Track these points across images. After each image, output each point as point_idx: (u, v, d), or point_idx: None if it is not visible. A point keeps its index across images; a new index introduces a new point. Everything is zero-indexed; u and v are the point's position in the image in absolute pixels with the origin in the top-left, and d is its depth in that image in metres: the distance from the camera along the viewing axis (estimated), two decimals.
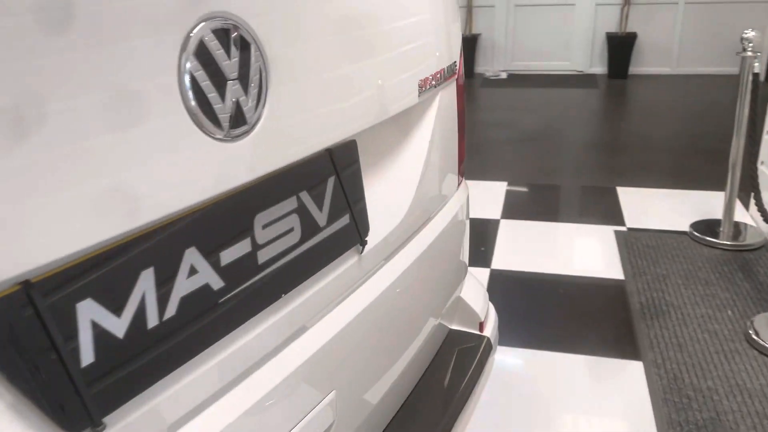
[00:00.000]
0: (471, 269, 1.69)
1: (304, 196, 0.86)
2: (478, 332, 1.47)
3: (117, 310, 0.62)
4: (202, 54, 0.65)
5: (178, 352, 0.68)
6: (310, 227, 0.87)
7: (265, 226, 0.80)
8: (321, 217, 0.89)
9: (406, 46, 1.05)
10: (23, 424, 0.55)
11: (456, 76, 1.29)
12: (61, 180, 0.54)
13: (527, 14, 7.91)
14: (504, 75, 7.92)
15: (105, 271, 0.61)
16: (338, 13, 0.86)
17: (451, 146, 1.27)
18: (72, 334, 0.58)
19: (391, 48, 0.99)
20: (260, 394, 0.79)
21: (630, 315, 2.61)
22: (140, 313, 0.65)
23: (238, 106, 0.70)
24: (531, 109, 6.27)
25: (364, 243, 0.98)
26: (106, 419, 0.62)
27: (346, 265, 0.96)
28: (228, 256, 0.74)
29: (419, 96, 1.10)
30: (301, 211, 0.86)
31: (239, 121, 0.71)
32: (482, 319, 1.48)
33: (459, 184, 1.39)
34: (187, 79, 0.64)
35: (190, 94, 0.65)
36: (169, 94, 0.63)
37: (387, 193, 1.10)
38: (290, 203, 0.84)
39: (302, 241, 0.86)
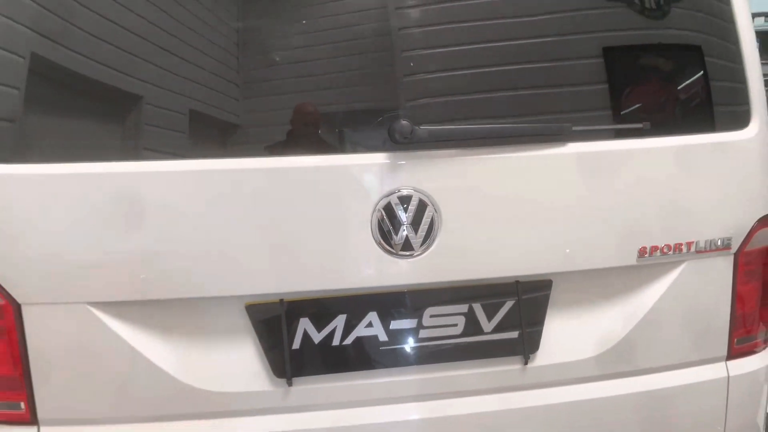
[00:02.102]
0: None
1: (475, 305, 1.27)
2: None
3: (319, 329, 1.23)
4: (388, 209, 1.20)
5: (340, 364, 1.24)
6: (472, 327, 1.27)
7: (433, 315, 1.26)
8: (487, 324, 1.27)
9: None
10: (260, 367, 1.22)
11: (729, 250, 1.35)
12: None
13: None
14: None
15: (321, 305, 1.22)
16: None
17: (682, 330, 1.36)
18: (292, 330, 1.22)
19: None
20: (400, 418, 1.25)
21: None
22: (330, 335, 1.23)
23: (407, 240, 1.21)
24: None
25: (527, 357, 1.29)
26: (296, 379, 1.23)
27: (506, 368, 1.29)
28: (397, 324, 1.25)
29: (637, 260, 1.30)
30: (469, 313, 1.27)
31: (407, 247, 1.21)
32: None
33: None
34: (376, 222, 1.19)
35: (377, 230, 1.20)
36: (366, 229, 1.20)
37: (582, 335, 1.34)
38: (460, 307, 1.26)
39: (461, 335, 1.27)
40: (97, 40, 1.17)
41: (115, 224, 1.15)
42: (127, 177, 1.15)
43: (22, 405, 1.20)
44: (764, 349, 1.49)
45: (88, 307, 1.17)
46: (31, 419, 1.21)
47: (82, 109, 1.21)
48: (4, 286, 1.15)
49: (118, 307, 1.18)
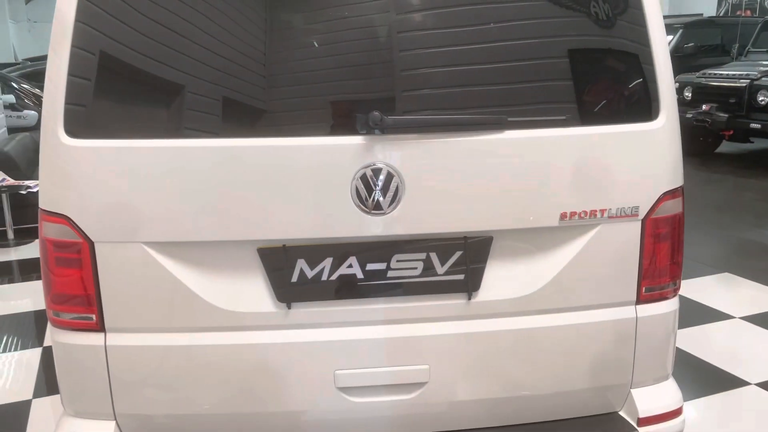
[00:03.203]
0: None
1: (432, 253, 1.66)
2: (631, 422, 1.79)
3: (311, 268, 1.64)
4: (364, 179, 1.59)
5: (327, 293, 1.65)
6: (428, 270, 1.66)
7: (399, 260, 1.66)
8: (440, 268, 1.67)
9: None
10: (267, 294, 1.64)
11: (636, 217, 1.71)
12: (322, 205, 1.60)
13: None
14: None
15: (313, 250, 1.63)
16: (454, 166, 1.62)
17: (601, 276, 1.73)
18: (291, 267, 1.64)
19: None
20: (376, 336, 1.66)
21: None
22: (319, 272, 1.64)
23: (378, 202, 1.60)
24: None
25: (470, 294, 1.68)
26: (294, 304, 1.64)
27: (453, 302, 1.68)
28: (371, 266, 1.65)
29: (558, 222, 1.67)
30: (426, 260, 1.66)
31: (378, 207, 1.60)
32: (641, 415, 1.78)
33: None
34: (355, 188, 1.59)
35: (356, 194, 1.59)
36: (347, 193, 1.59)
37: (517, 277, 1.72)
38: (419, 254, 1.66)
39: (420, 276, 1.66)
40: (150, 40, 1.57)
41: (163, 186, 1.57)
42: (172, 150, 1.56)
43: (93, 317, 1.65)
44: (673, 297, 1.85)
45: (143, 245, 1.60)
46: (100, 327, 1.65)
47: (138, 97, 1.62)
48: (83, 228, 1.59)
49: (165, 246, 1.61)
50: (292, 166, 1.59)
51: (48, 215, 1.61)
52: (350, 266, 1.66)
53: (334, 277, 1.66)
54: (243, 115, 1.63)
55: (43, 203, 1.62)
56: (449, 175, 1.63)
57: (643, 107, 1.71)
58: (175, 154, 1.57)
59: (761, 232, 5.48)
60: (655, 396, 1.83)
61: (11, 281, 4.73)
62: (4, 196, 5.41)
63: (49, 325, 1.74)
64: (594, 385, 1.81)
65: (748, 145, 8.94)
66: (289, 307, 1.65)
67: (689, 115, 8.17)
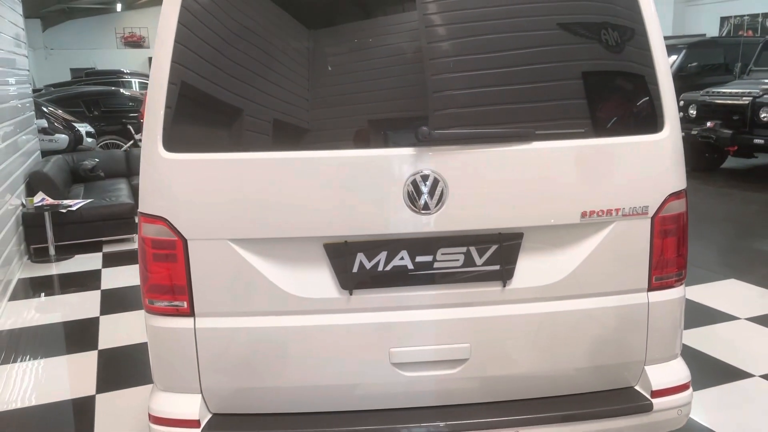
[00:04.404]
0: None
1: (471, 248, 1.94)
2: (646, 394, 2.05)
3: (369, 260, 1.93)
4: (414, 183, 1.88)
5: (383, 282, 1.93)
6: (469, 262, 1.95)
7: (443, 254, 1.94)
8: (479, 260, 1.95)
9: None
10: (332, 283, 1.93)
11: (646, 215, 1.99)
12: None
13: None
14: None
15: (371, 244, 1.92)
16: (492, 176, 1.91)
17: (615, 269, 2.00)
18: (352, 260, 1.92)
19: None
20: (425, 318, 1.94)
21: None
22: (376, 263, 1.93)
23: (426, 203, 1.89)
24: None
25: (505, 283, 1.96)
26: (355, 291, 1.93)
27: (490, 289, 1.96)
28: (420, 258, 1.94)
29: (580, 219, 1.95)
30: (467, 253, 1.94)
31: (426, 207, 1.89)
32: (654, 388, 2.04)
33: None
34: (407, 191, 1.88)
35: (407, 196, 1.88)
36: (400, 196, 1.88)
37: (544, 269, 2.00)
38: (461, 248, 1.94)
39: (461, 267, 1.95)
40: (233, 67, 1.88)
41: (245, 191, 1.87)
42: (253, 162, 1.86)
43: (185, 303, 1.93)
44: (679, 285, 2.12)
45: (228, 242, 1.89)
46: (190, 312, 1.94)
47: (223, 118, 1.92)
48: (179, 228, 1.88)
49: (247, 243, 1.90)
50: (353, 174, 1.88)
51: (147, 218, 1.91)
52: (402, 258, 1.94)
53: (388, 268, 1.94)
54: (312, 131, 1.93)
55: (143, 207, 1.92)
56: (485, 180, 1.92)
57: (650, 121, 2.00)
58: (255, 165, 1.87)
59: (766, 242, 5.73)
60: (666, 372, 2.10)
61: (53, 294, 5.04)
62: (46, 214, 5.74)
63: (144, 312, 2.03)
64: (612, 362, 2.07)
65: (752, 160, 9.22)
66: (351, 294, 1.94)
67: (694, 132, 8.46)
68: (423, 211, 1.89)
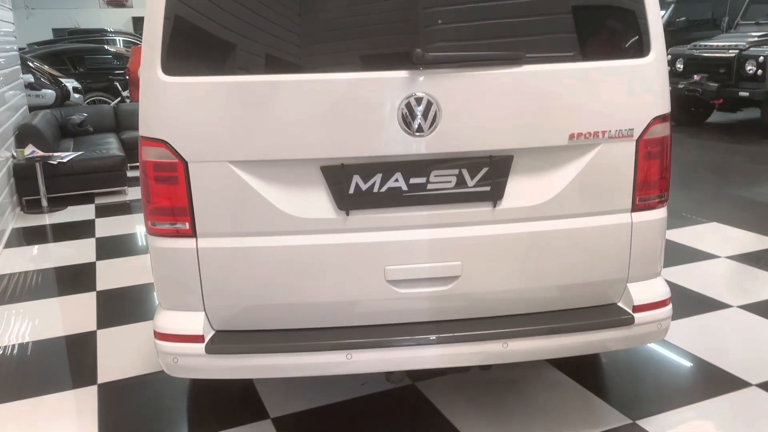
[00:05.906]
0: None
1: (463, 169, 2.02)
2: (628, 309, 2.16)
3: (365, 182, 2.00)
4: (408, 106, 1.94)
5: (378, 203, 2.01)
6: (461, 183, 2.02)
7: (436, 175, 2.02)
8: (470, 181, 2.03)
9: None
10: (329, 204, 2.01)
11: (631, 137, 2.07)
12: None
13: None
14: None
15: (366, 167, 1.98)
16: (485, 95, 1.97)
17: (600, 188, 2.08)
18: (348, 181, 1.99)
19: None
20: (419, 237, 2.02)
21: None
22: (371, 185, 2.00)
23: (419, 125, 1.95)
24: None
25: (495, 203, 2.04)
26: (351, 211, 2.01)
27: (481, 209, 2.04)
28: (414, 180, 2.01)
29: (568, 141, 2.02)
30: (459, 175, 2.02)
31: (420, 129, 1.96)
32: (636, 303, 2.15)
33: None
34: (401, 114, 1.94)
35: (401, 118, 1.95)
36: (394, 118, 1.95)
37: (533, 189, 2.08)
38: (453, 170, 2.02)
39: (454, 188, 2.02)
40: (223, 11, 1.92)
41: (244, 114, 1.92)
42: (251, 85, 1.91)
43: (187, 224, 2.00)
44: (661, 206, 2.21)
45: (228, 164, 1.95)
46: (192, 233, 2.01)
47: (222, 41, 1.95)
48: (179, 151, 1.94)
49: (247, 164, 1.96)
50: (349, 97, 1.94)
51: (148, 141, 1.97)
52: (396, 180, 2.01)
53: (383, 189, 2.01)
54: (309, 54, 1.98)
55: (143, 131, 1.97)
56: (477, 103, 1.98)
57: (637, 45, 2.06)
58: (252, 88, 1.92)
59: (748, 189, 5.86)
60: (647, 289, 2.21)
61: (47, 242, 5.09)
62: (37, 166, 5.75)
63: (146, 234, 2.10)
64: (597, 280, 2.18)
65: (737, 114, 9.32)
66: (347, 214, 2.01)
67: (681, 86, 8.53)
68: (417, 134, 1.96)
